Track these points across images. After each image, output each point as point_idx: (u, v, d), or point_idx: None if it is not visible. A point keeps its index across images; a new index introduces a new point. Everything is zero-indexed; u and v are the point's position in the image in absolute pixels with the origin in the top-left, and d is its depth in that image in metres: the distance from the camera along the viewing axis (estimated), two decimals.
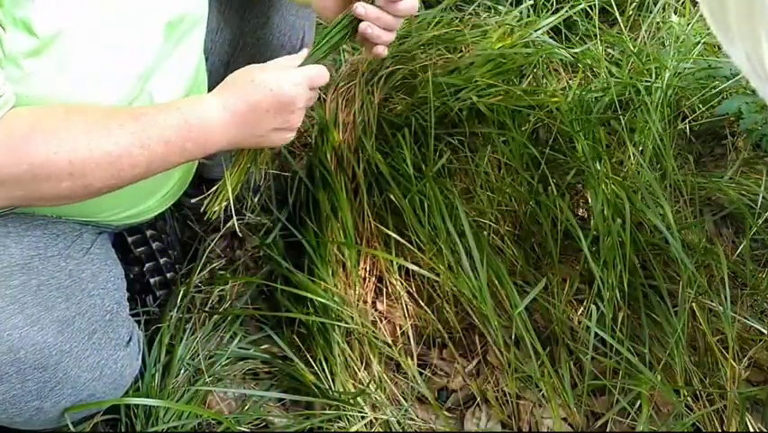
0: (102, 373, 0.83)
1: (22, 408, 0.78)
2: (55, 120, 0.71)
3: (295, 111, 0.85)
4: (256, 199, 1.35)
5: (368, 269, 1.25)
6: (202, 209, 0.94)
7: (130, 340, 0.89)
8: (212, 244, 1.28)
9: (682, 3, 1.79)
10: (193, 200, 1.36)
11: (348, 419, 1.08)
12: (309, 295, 1.15)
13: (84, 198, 0.78)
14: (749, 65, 0.73)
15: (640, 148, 1.35)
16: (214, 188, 0.94)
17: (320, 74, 0.88)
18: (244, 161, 0.95)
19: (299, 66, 0.87)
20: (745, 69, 0.74)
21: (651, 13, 1.74)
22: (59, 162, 0.70)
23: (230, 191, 0.93)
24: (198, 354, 1.13)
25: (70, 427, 0.87)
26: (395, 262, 1.23)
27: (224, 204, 0.94)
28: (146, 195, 0.93)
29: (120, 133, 0.73)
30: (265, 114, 0.82)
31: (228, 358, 1.15)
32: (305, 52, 0.90)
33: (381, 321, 1.21)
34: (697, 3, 1.80)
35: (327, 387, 1.10)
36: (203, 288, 1.23)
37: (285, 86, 0.83)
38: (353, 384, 1.12)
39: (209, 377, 1.10)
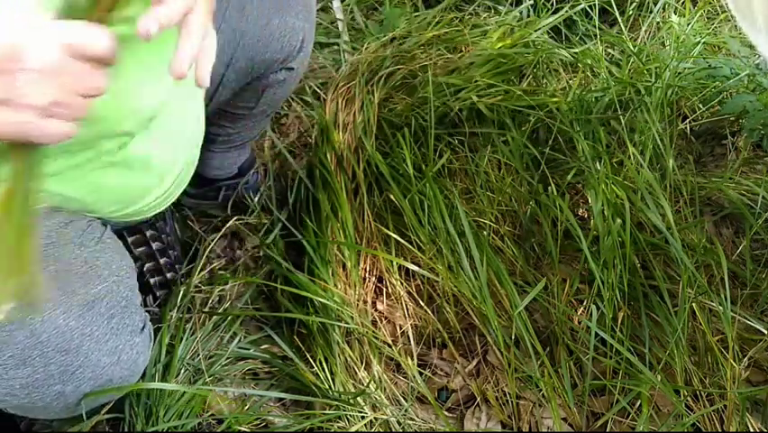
0: (119, 358, 0.84)
1: (45, 391, 0.79)
2: None
3: (22, 70, 0.53)
4: (256, 199, 1.35)
5: (368, 269, 1.25)
6: None
7: (144, 327, 0.90)
8: (212, 244, 1.28)
9: (682, 3, 1.79)
10: (192, 200, 1.37)
11: (348, 419, 1.08)
12: (309, 295, 1.15)
13: None
14: None
15: (640, 148, 1.35)
16: None
17: (86, 35, 0.56)
18: None
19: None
20: None
21: (651, 13, 1.74)
22: None
23: None
24: (198, 354, 1.13)
25: (84, 417, 0.87)
26: (395, 262, 1.23)
27: None
28: (138, 196, 0.93)
29: None
30: None
31: (228, 358, 1.15)
32: None
33: (381, 321, 1.21)
34: (697, 2, 1.80)
35: (327, 387, 1.10)
36: (203, 288, 1.23)
37: (15, 29, 0.54)
38: (353, 384, 1.12)
39: (209, 377, 1.11)
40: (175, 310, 1.16)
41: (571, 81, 1.55)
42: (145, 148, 0.86)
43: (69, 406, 0.83)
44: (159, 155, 0.89)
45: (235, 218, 1.32)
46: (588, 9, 1.68)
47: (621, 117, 1.38)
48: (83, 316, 0.78)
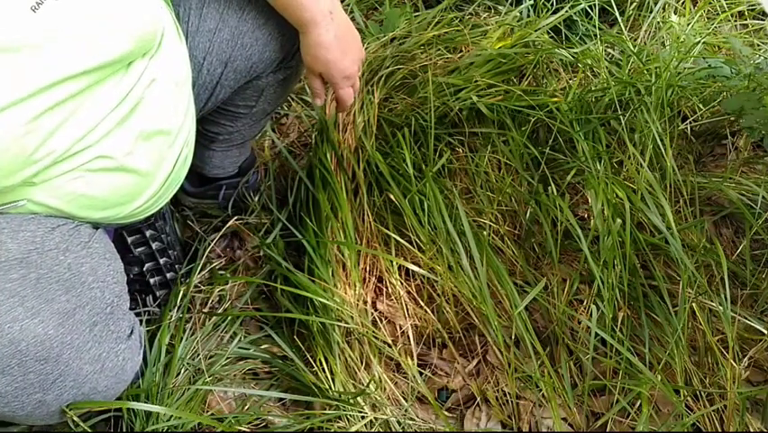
0: (103, 365, 0.83)
1: (25, 400, 0.79)
2: None
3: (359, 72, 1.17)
4: (256, 199, 1.35)
5: (368, 269, 1.25)
6: None
7: (131, 334, 0.89)
8: (212, 244, 1.28)
9: (682, 3, 1.79)
10: (192, 199, 1.37)
11: (348, 418, 1.08)
12: (309, 295, 1.15)
13: None
14: None
15: (640, 148, 1.35)
16: None
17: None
18: None
19: None
20: None
21: (651, 13, 1.74)
22: None
23: None
24: (198, 354, 1.13)
25: (70, 422, 0.87)
26: (395, 262, 1.23)
27: None
28: (126, 200, 0.91)
29: None
30: None
31: (228, 358, 1.15)
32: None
33: (381, 321, 1.21)
34: (697, 2, 1.80)
35: (327, 387, 1.10)
36: (203, 288, 1.23)
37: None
38: (353, 384, 1.12)
39: (209, 377, 1.10)
40: (175, 310, 1.16)
41: (571, 81, 1.55)
42: (123, 151, 0.84)
43: (52, 414, 0.83)
44: (140, 158, 0.87)
45: (235, 218, 1.32)
46: (588, 9, 1.68)
47: (621, 117, 1.38)
48: (63, 324, 0.78)
